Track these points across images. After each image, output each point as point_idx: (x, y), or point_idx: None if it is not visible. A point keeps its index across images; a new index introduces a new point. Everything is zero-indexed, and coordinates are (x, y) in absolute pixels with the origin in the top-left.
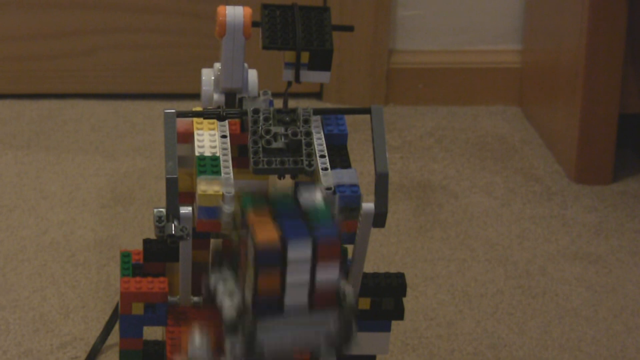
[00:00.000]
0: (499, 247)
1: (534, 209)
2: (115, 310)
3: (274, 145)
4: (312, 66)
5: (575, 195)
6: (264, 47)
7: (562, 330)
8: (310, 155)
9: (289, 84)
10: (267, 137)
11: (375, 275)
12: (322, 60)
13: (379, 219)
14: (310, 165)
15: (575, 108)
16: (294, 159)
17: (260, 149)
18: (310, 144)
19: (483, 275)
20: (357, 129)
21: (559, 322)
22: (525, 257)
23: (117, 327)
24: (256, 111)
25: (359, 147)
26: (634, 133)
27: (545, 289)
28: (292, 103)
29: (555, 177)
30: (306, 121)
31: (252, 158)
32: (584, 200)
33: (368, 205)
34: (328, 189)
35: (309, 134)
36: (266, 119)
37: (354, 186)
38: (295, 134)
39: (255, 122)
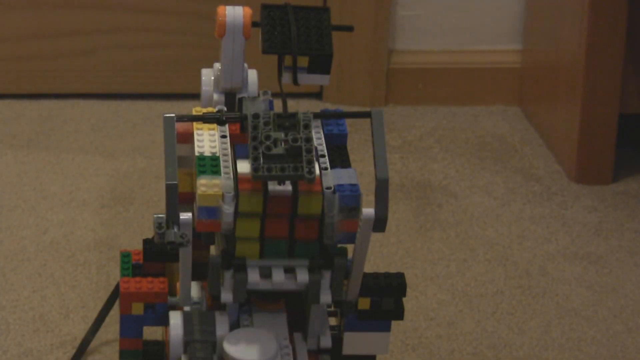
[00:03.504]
0: (499, 247)
1: (534, 209)
2: (107, 302)
3: (274, 151)
4: (312, 70)
5: (575, 195)
6: (264, 52)
7: (562, 330)
8: (311, 162)
9: (283, 86)
10: (267, 142)
11: (375, 275)
12: (321, 64)
13: (379, 224)
14: (310, 172)
15: (575, 108)
16: (294, 166)
17: (261, 155)
18: (310, 150)
19: (483, 275)
20: (357, 129)
21: (559, 322)
22: (525, 257)
23: (116, 326)
24: (256, 116)
25: (359, 147)
26: (634, 133)
27: (545, 289)
28: (292, 103)
29: (555, 177)
30: (306, 126)
31: (252, 164)
32: (584, 200)
33: (368, 211)
34: (328, 188)
35: (309, 140)
36: (266, 124)
37: (354, 185)
38: (295, 140)
39: (255, 127)
